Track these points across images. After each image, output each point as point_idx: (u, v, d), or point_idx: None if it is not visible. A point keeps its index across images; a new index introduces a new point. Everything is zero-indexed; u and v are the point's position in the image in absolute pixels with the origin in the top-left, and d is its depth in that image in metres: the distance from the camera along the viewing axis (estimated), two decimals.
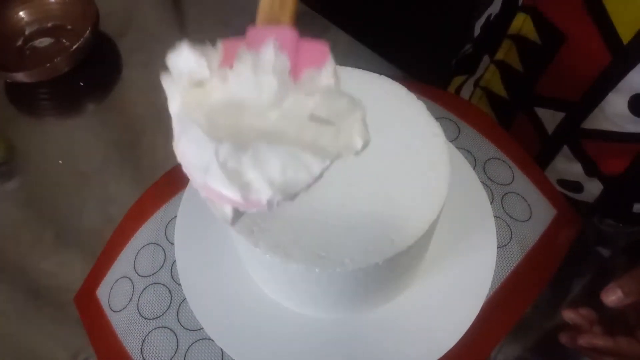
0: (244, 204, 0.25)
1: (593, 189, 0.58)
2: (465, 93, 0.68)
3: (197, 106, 0.26)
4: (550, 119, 0.56)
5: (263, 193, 0.25)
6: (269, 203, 0.25)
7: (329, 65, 0.27)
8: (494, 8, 0.59)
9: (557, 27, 0.50)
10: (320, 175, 0.25)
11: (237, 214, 0.26)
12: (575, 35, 0.49)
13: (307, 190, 0.26)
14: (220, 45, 0.28)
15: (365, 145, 0.26)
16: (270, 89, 0.26)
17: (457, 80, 0.71)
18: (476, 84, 0.65)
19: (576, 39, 0.49)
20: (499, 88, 0.62)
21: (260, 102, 0.26)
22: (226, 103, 0.27)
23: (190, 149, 0.26)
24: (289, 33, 0.28)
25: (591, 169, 0.56)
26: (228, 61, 0.27)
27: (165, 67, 0.28)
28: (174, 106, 0.27)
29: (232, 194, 0.25)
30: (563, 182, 0.60)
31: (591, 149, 0.55)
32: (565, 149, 0.57)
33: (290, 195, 0.25)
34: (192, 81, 0.27)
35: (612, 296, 0.41)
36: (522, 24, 0.54)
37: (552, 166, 0.60)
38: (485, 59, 0.63)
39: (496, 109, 0.64)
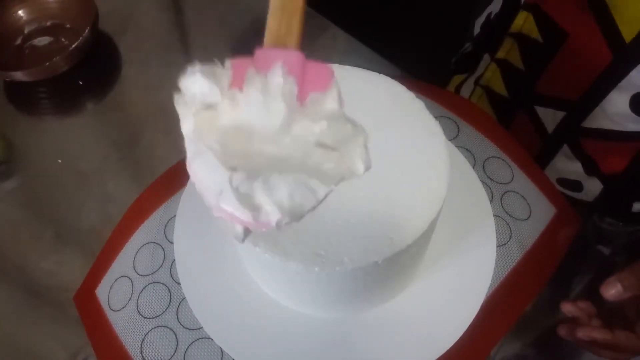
0: (254, 224, 0.26)
1: (593, 187, 0.58)
2: (465, 92, 0.68)
3: (208, 128, 0.27)
4: (551, 117, 0.56)
5: (272, 216, 0.26)
6: (278, 224, 0.26)
7: (334, 88, 0.28)
8: (495, 7, 0.59)
9: (559, 25, 0.50)
10: (325, 198, 0.27)
11: (247, 233, 0.28)
12: (577, 34, 0.49)
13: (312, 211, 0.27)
14: (229, 65, 0.28)
15: (367, 169, 0.27)
16: (279, 115, 0.27)
17: (457, 79, 0.71)
18: (476, 83, 0.65)
19: (578, 38, 0.49)
20: (499, 87, 0.62)
21: (270, 128, 0.27)
22: (237, 127, 0.28)
23: (203, 171, 0.27)
24: (295, 56, 0.28)
25: (591, 168, 0.56)
26: (237, 82, 0.28)
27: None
28: (187, 127, 0.28)
29: (244, 216, 0.26)
30: (563, 181, 0.60)
31: (591, 148, 0.55)
32: (565, 147, 0.57)
33: (297, 217, 0.27)
34: (204, 104, 0.28)
35: (612, 290, 0.42)
36: (523, 22, 0.54)
37: (551, 165, 0.60)
38: (486, 57, 0.63)
39: (496, 107, 0.64)
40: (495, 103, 0.64)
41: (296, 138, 0.27)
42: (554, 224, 0.50)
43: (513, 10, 0.54)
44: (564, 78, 0.53)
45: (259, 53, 0.29)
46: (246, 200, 0.26)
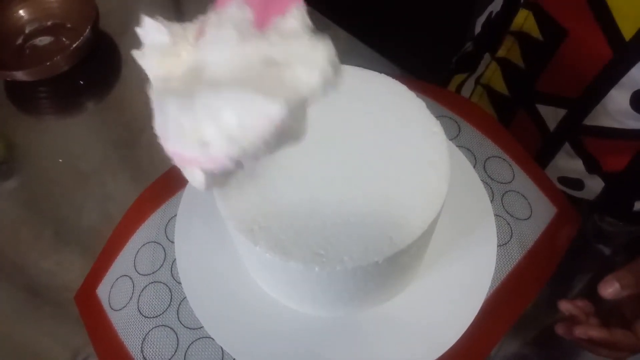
0: (208, 161, 0.25)
1: (594, 186, 0.58)
2: (466, 91, 0.68)
3: (172, 77, 0.27)
4: (552, 115, 0.56)
5: (222, 147, 0.24)
6: (231, 158, 0.24)
7: (295, 9, 0.27)
8: (495, 6, 0.59)
9: (559, 23, 0.50)
10: (287, 125, 0.24)
11: (209, 178, 0.26)
12: (577, 32, 0.49)
13: (274, 150, 0.25)
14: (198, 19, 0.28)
15: (327, 82, 0.25)
16: (229, 41, 0.26)
17: (458, 78, 0.71)
18: (477, 82, 0.65)
19: (578, 35, 0.49)
20: (500, 85, 0.62)
21: (222, 56, 0.26)
22: (196, 67, 0.27)
23: (157, 119, 0.26)
24: None
25: (592, 166, 0.56)
26: (199, 32, 0.28)
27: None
28: (151, 77, 0.28)
29: (192, 151, 0.24)
30: (564, 180, 0.60)
31: (592, 146, 0.55)
32: (567, 146, 0.57)
33: (251, 149, 0.24)
34: (162, 52, 0.28)
35: (610, 288, 0.42)
36: (524, 20, 0.54)
37: (553, 163, 0.60)
38: (486, 57, 0.63)
39: (497, 106, 0.64)
40: (496, 102, 0.64)
41: (247, 62, 0.26)
42: (555, 223, 0.50)
43: (513, 9, 0.54)
44: (564, 76, 0.53)
45: None
46: (192, 134, 0.24)
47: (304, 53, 0.26)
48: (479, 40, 0.64)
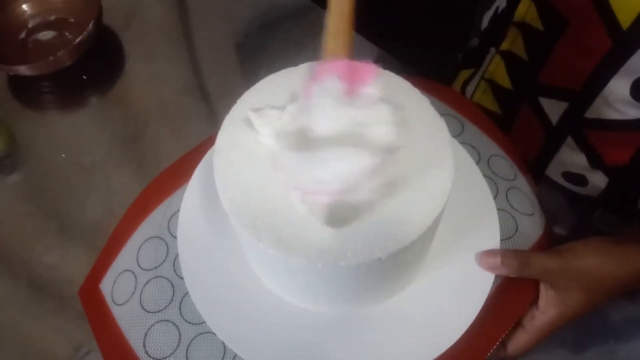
0: (320, 194, 0.34)
1: (598, 181, 0.58)
2: (472, 87, 0.68)
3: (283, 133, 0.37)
4: (555, 109, 0.56)
5: (332, 185, 0.34)
6: (338, 192, 0.34)
7: (376, 80, 0.36)
8: (502, 1, 0.59)
9: (560, 13, 0.50)
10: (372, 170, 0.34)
11: (330, 217, 0.35)
12: (577, 21, 0.49)
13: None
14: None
15: (392, 142, 0.36)
16: (328, 108, 0.36)
17: (464, 74, 0.70)
18: (481, 77, 0.65)
19: (578, 25, 0.49)
20: (503, 79, 0.62)
21: (323, 120, 0.36)
22: (303, 128, 0.36)
23: (284, 167, 0.36)
24: (345, 64, 0.37)
25: (595, 160, 0.56)
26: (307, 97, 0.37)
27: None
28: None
29: (311, 187, 0.34)
30: (568, 175, 0.60)
31: (594, 139, 0.55)
32: (570, 139, 0.57)
33: (349, 185, 0.34)
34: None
35: (490, 258, 0.44)
36: (526, 10, 0.54)
37: (556, 158, 0.59)
38: (492, 51, 0.62)
39: (500, 101, 0.64)
40: (500, 96, 0.64)
41: (345, 123, 0.35)
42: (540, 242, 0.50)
43: (517, 1, 0.54)
44: (566, 67, 0.53)
45: (316, 68, 0.37)
46: (310, 175, 0.34)
47: (383, 118, 0.36)
48: (485, 35, 0.64)
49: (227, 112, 0.40)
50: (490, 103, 0.65)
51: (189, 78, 0.76)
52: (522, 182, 0.52)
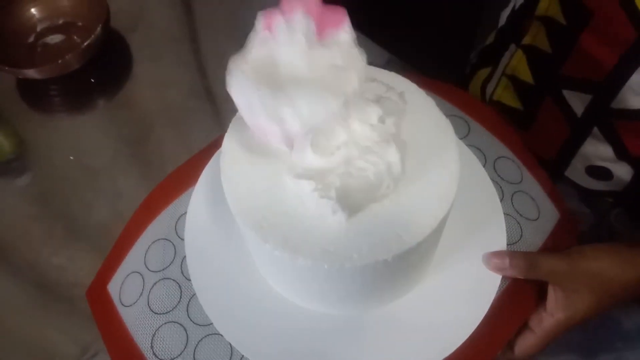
0: (281, 135, 0.35)
1: (623, 175, 0.57)
2: (493, 84, 0.68)
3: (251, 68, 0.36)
4: (579, 101, 0.55)
5: (294, 124, 0.35)
6: (297, 133, 0.35)
7: (346, 25, 0.36)
8: None
9: (584, 4, 0.49)
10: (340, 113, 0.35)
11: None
12: (602, 12, 0.48)
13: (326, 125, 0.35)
14: (260, 17, 0.37)
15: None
16: (299, 46, 0.35)
17: (482, 73, 0.70)
18: (502, 73, 0.65)
19: (602, 16, 0.49)
20: (525, 74, 0.61)
21: (293, 57, 0.35)
22: (266, 60, 0.36)
23: (239, 95, 0.35)
24: (313, 3, 0.36)
25: (621, 151, 0.55)
26: (267, 28, 0.36)
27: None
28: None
29: (271, 125, 0.35)
30: (592, 170, 0.59)
31: (621, 129, 0.54)
32: (596, 131, 0.56)
33: (313, 125, 0.34)
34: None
35: (497, 260, 0.43)
36: (548, 4, 0.53)
37: (581, 151, 0.58)
38: (511, 48, 0.62)
39: (522, 96, 0.64)
40: (522, 92, 0.63)
41: (314, 63, 0.35)
42: (558, 229, 0.50)
43: None
44: (590, 59, 0.52)
45: (284, 3, 0.36)
46: (272, 112, 0.34)
47: (353, 61, 0.36)
48: (504, 32, 0.64)
49: (233, 114, 0.41)
50: (511, 99, 0.65)
51: (195, 81, 0.76)
52: (528, 185, 0.51)
